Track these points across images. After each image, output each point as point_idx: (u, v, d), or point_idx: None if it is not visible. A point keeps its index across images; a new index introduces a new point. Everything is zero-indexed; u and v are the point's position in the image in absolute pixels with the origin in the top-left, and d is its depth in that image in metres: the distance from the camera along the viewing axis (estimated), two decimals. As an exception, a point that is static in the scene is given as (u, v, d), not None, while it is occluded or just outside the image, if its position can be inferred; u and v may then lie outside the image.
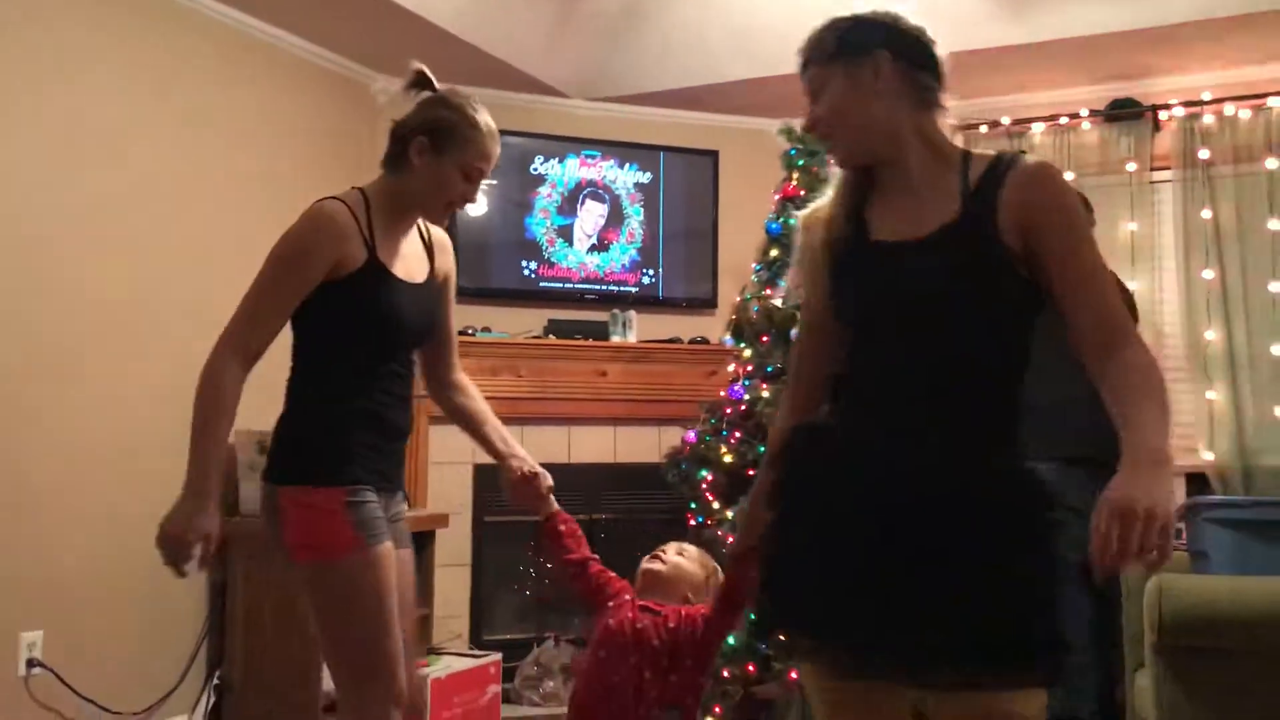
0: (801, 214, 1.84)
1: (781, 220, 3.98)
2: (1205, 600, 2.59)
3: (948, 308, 1.60)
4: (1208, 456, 4.40)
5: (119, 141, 3.64)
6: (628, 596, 2.31)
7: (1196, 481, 4.38)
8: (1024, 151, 1.74)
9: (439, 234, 2.38)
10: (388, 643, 2.13)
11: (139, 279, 3.70)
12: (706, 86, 4.80)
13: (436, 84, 2.27)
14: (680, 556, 2.39)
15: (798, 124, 4.10)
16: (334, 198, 2.18)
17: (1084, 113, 4.68)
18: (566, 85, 4.94)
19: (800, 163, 4.06)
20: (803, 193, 3.95)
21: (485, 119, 2.21)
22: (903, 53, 1.70)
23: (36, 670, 3.29)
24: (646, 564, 2.39)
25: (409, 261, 2.25)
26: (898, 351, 1.63)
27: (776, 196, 4.07)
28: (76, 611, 3.43)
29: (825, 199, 1.80)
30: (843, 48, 1.72)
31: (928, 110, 1.70)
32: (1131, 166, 4.59)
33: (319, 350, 2.19)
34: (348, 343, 2.17)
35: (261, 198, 4.16)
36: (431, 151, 2.17)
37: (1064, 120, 4.70)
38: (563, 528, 2.37)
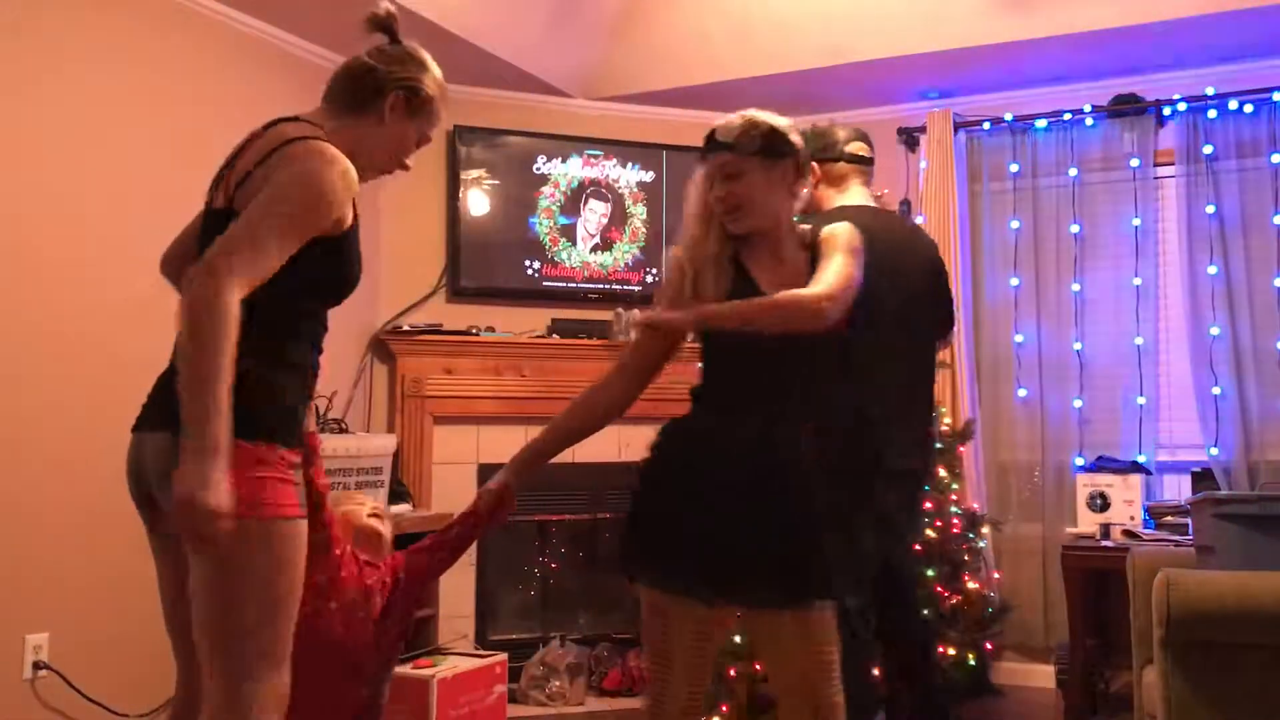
0: (683, 252, 2.24)
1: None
2: (1212, 596, 2.58)
3: (797, 343, 2.13)
4: (1213, 452, 4.40)
5: (117, 140, 3.64)
6: (348, 547, 2.33)
7: (1202, 477, 4.37)
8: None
9: None
10: (289, 637, 1.88)
11: (139, 278, 3.70)
12: (708, 85, 4.80)
13: (399, 36, 2.22)
14: (388, 520, 2.53)
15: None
16: (323, 139, 1.99)
17: (1087, 108, 4.67)
18: (569, 85, 4.94)
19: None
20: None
21: (445, 85, 2.20)
22: (793, 159, 2.22)
23: (43, 672, 3.30)
24: (372, 523, 2.43)
25: None
26: (755, 370, 2.16)
27: (779, 194, 4.07)
28: (82, 613, 3.44)
29: (691, 243, 2.23)
30: (767, 148, 2.18)
31: (795, 199, 2.25)
32: (1135, 162, 4.59)
33: (279, 302, 1.91)
34: (313, 300, 2.01)
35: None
36: (405, 110, 2.10)
37: (1067, 116, 4.69)
38: (316, 443, 2.23)
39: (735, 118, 2.21)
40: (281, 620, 1.86)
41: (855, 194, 2.93)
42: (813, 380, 2.18)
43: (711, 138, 2.21)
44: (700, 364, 2.30)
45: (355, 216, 2.01)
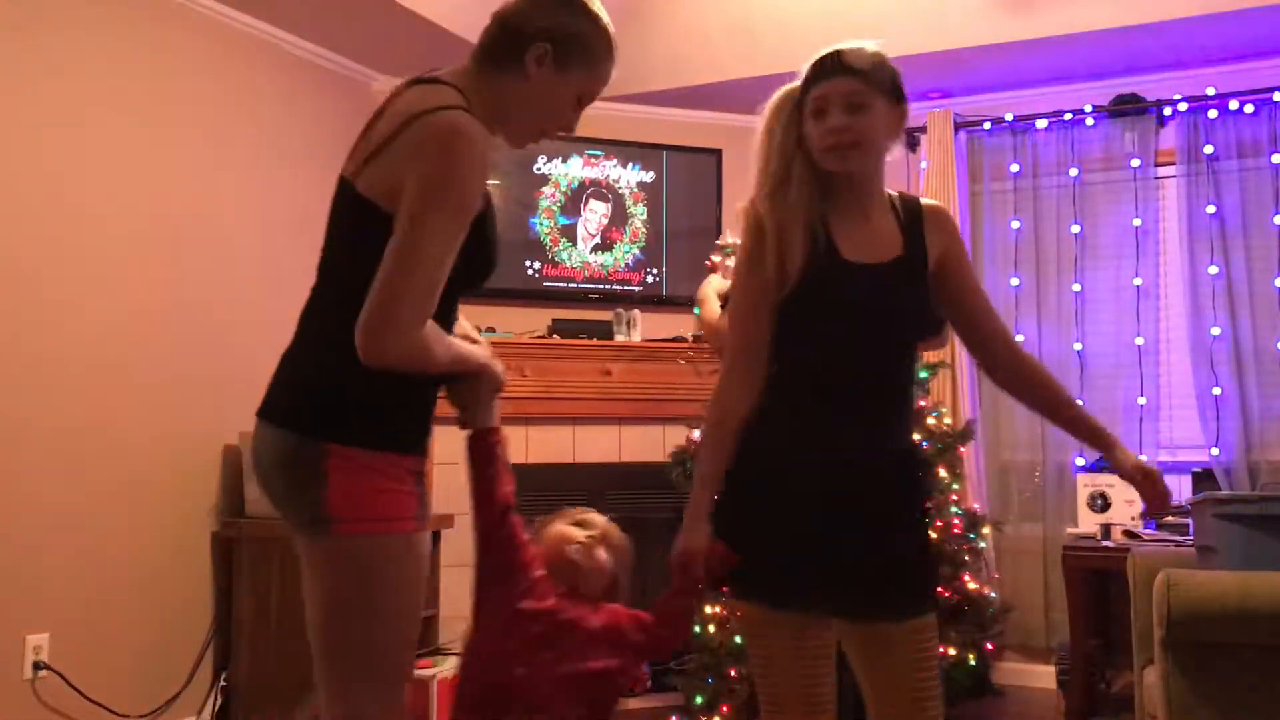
0: (763, 206, 1.93)
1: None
2: (1213, 595, 2.58)
3: (897, 326, 1.94)
4: (1214, 452, 4.39)
5: (116, 141, 3.64)
6: (541, 572, 1.89)
7: (1203, 477, 4.37)
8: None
9: None
10: (411, 653, 1.82)
11: (135, 281, 3.70)
12: (709, 85, 4.80)
13: None
14: (604, 549, 1.96)
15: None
16: (462, 108, 1.73)
17: (1088, 108, 4.67)
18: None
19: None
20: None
21: (614, 34, 1.87)
22: (907, 108, 1.98)
23: (43, 673, 3.29)
24: (572, 553, 1.92)
25: None
26: (851, 357, 1.91)
27: (780, 194, 4.07)
28: (83, 614, 3.44)
29: (774, 192, 1.94)
30: (895, 89, 1.93)
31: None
32: (1136, 162, 4.59)
33: None
34: (452, 288, 1.74)
35: (260, 197, 4.17)
36: (553, 63, 1.79)
37: (1068, 116, 4.69)
38: (499, 449, 1.90)
39: (862, 45, 1.92)
40: (393, 643, 1.76)
41: None
42: (893, 379, 1.98)
43: (838, 60, 1.90)
44: (780, 353, 1.95)
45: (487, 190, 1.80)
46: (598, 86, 1.88)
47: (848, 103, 1.87)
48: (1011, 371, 2.04)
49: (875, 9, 4.41)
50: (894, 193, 2.02)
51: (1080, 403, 2.04)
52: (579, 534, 1.94)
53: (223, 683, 3.83)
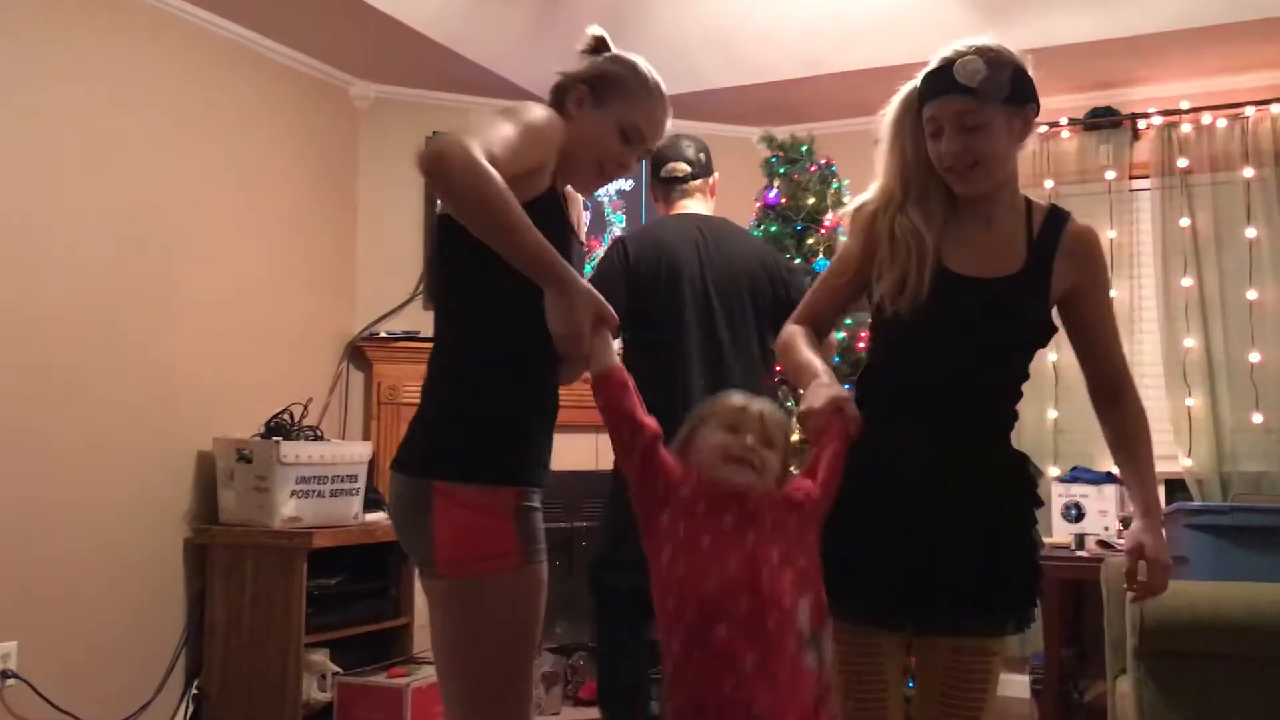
0: (890, 219, 1.88)
1: (763, 227, 3.99)
2: (1186, 605, 2.60)
3: (999, 343, 1.87)
4: (1186, 463, 4.43)
5: (90, 146, 3.61)
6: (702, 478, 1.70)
7: (1175, 487, 4.40)
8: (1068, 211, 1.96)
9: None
10: (529, 682, 1.83)
11: (109, 286, 3.67)
12: (688, 94, 4.80)
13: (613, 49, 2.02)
14: (766, 450, 1.72)
15: (779, 131, 4.16)
16: None
17: (1064, 121, 4.71)
18: (547, 91, 4.93)
19: (782, 170, 4.07)
20: (784, 200, 3.95)
21: (657, 80, 1.96)
22: (1035, 104, 1.88)
23: (11, 681, 3.25)
24: (735, 473, 1.68)
25: None
26: (948, 369, 1.86)
27: (758, 204, 4.08)
28: (52, 621, 3.39)
29: (881, 199, 1.91)
30: (1013, 94, 1.82)
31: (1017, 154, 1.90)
32: (1111, 175, 4.62)
33: (501, 307, 1.77)
34: (534, 298, 1.70)
35: (241, 202, 4.15)
36: (592, 102, 1.92)
37: (1044, 129, 4.72)
38: (630, 383, 1.75)
39: (974, 54, 1.80)
40: (499, 678, 1.78)
41: (683, 206, 3.27)
42: (985, 392, 1.91)
43: (948, 76, 1.79)
44: (871, 353, 2.02)
45: (554, 185, 1.86)
46: (640, 119, 1.93)
47: (960, 124, 1.79)
48: (1105, 411, 2.01)
49: (854, 21, 4.42)
50: (1041, 204, 1.94)
51: (1150, 469, 2.02)
52: (735, 444, 1.71)
53: (194, 691, 3.80)
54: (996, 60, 1.80)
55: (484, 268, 1.71)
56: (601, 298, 1.74)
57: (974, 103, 1.78)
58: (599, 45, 2.01)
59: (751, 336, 3.13)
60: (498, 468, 1.78)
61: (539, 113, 1.82)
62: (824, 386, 1.81)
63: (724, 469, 1.69)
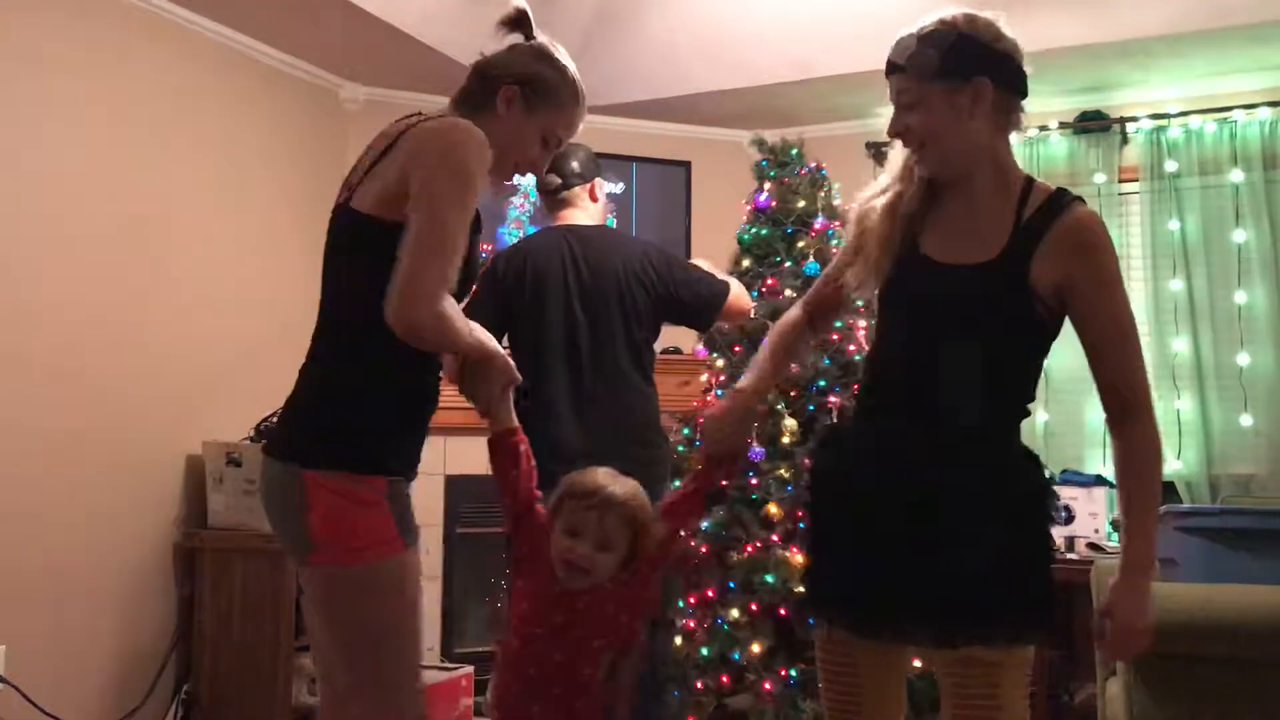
0: (865, 204, 1.91)
1: (753, 231, 3.99)
2: (1175, 608, 2.60)
3: (959, 332, 1.76)
4: (1175, 465, 4.44)
5: (79, 147, 3.60)
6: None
7: (1164, 490, 4.40)
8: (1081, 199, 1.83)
9: None
10: (416, 659, 1.87)
11: (97, 289, 3.66)
12: (678, 97, 4.81)
13: (535, 32, 2.01)
14: (605, 552, 1.89)
15: (769, 135, 4.16)
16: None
17: (1053, 124, 4.72)
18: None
19: (772, 174, 4.06)
20: (775, 203, 3.96)
21: (581, 85, 1.98)
22: (1000, 78, 1.77)
23: (0, 686, 3.25)
24: (571, 579, 1.88)
25: None
26: (925, 360, 1.77)
27: (748, 207, 4.08)
28: (41, 625, 3.38)
29: (879, 189, 1.90)
30: (945, 69, 1.73)
31: (1005, 132, 1.81)
32: (1099, 178, 4.63)
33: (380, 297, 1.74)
34: None
35: (232, 205, 4.14)
36: (521, 105, 1.92)
37: (1033, 132, 4.73)
38: (524, 448, 1.97)
39: (912, 31, 1.76)
40: (387, 653, 1.81)
41: (565, 217, 3.22)
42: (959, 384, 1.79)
43: (890, 57, 1.78)
44: (872, 348, 1.95)
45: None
46: (563, 128, 1.97)
47: (899, 103, 1.77)
48: (1112, 433, 1.79)
49: (842, 25, 4.42)
50: (1046, 187, 1.81)
51: (1144, 514, 1.76)
52: (571, 553, 1.88)
53: (184, 695, 3.78)
54: (931, 35, 1.74)
55: (369, 267, 1.74)
56: (512, 364, 1.90)
57: (906, 81, 1.76)
58: (520, 20, 2.00)
59: (619, 346, 3.05)
60: (366, 457, 1.79)
61: (482, 166, 1.80)
62: (724, 400, 1.91)
63: (562, 573, 1.88)
